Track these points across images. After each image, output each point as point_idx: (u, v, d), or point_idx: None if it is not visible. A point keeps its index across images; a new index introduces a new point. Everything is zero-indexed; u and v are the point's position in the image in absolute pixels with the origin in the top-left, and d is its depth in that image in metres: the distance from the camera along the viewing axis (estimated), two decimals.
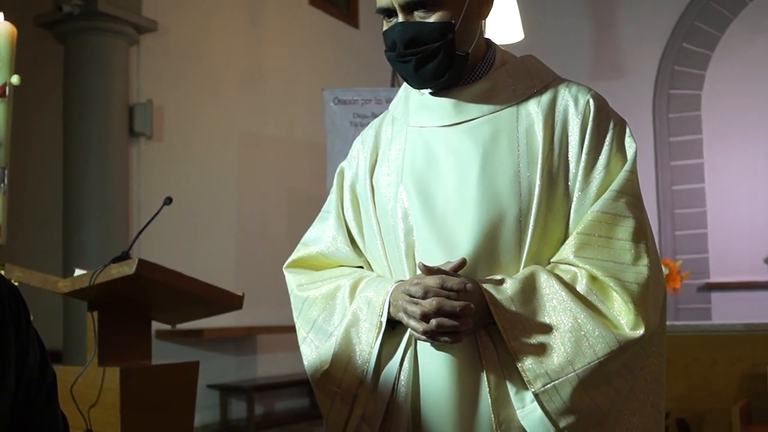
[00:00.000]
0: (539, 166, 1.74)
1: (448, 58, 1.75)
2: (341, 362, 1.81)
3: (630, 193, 1.75)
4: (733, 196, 9.91)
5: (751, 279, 9.59)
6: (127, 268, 2.60)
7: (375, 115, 6.35)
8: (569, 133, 1.78)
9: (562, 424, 1.63)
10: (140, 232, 2.80)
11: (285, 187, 8.31)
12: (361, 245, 1.94)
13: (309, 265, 2.02)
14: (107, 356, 2.90)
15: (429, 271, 1.65)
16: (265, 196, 8.18)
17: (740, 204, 9.84)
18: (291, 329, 7.23)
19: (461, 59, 1.78)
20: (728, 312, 9.20)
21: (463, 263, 1.66)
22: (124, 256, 2.71)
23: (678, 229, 9.99)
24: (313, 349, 1.92)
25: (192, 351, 7.12)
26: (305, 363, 1.95)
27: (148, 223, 2.77)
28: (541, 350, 1.64)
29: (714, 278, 9.87)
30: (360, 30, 9.21)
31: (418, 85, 1.84)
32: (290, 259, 2.06)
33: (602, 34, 10.28)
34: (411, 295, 1.66)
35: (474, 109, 1.81)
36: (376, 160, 1.93)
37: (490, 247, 1.71)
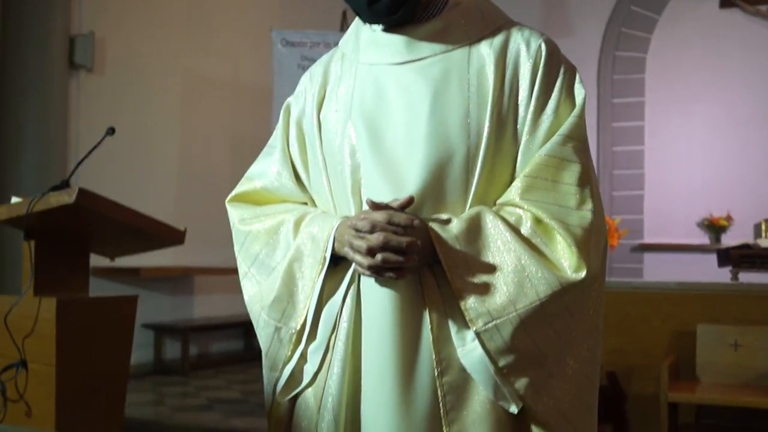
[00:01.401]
0: (489, 108, 1.74)
1: None
2: (283, 297, 1.81)
3: (577, 138, 1.75)
4: (671, 159, 10.07)
5: (684, 242, 9.79)
6: (67, 197, 2.56)
7: None
8: (520, 77, 1.77)
9: (502, 363, 1.65)
10: (81, 161, 2.75)
11: (229, 129, 8.22)
12: (305, 181, 1.92)
13: (252, 199, 2.00)
14: (43, 287, 2.86)
15: (376, 206, 1.65)
16: (208, 136, 8.09)
17: (678, 168, 10.00)
18: (229, 271, 7.25)
19: None
20: (659, 273, 9.40)
21: (410, 201, 1.66)
22: (64, 185, 2.66)
23: (616, 189, 10.14)
24: (255, 284, 1.91)
25: (128, 289, 7.05)
26: (246, 297, 1.93)
27: (90, 153, 2.72)
28: (484, 289, 1.65)
29: (648, 239, 10.05)
30: None
31: (370, 20, 1.81)
32: (233, 193, 2.03)
33: None
34: (357, 230, 1.65)
35: (426, 48, 1.79)
36: (324, 96, 1.90)
37: (437, 187, 1.71)
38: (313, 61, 6.29)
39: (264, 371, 1.91)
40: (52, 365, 2.78)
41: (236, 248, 1.97)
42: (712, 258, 6.16)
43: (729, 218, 9.69)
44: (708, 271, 6.75)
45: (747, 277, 5.67)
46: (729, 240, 8.79)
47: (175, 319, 7.84)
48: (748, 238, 7.74)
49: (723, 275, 5.95)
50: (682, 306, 4.84)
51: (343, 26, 7.51)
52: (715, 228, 9.72)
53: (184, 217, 7.47)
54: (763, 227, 9.57)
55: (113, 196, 2.73)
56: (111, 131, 2.71)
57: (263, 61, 7.48)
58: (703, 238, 9.83)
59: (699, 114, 10.00)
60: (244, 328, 8.33)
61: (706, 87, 9.97)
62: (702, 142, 9.97)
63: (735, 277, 5.61)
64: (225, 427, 5.42)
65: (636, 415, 4.87)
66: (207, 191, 7.71)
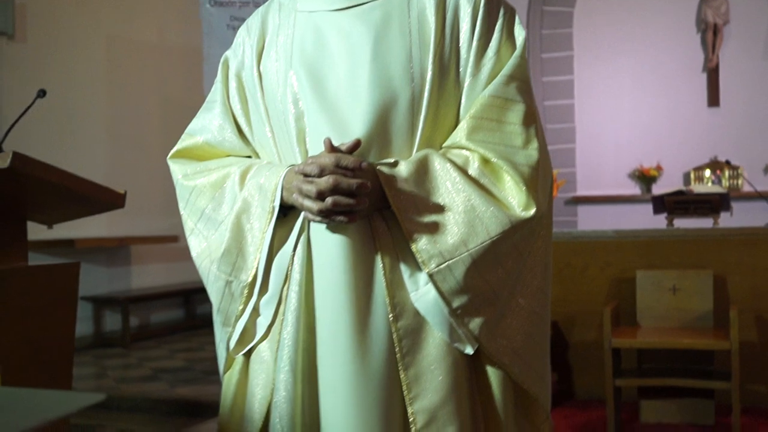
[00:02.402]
0: (431, 51, 1.74)
1: None
2: (233, 250, 1.78)
3: (520, 78, 1.77)
4: (601, 112, 10.21)
5: (616, 193, 9.97)
6: (0, 162, 2.47)
7: None
8: (460, 20, 1.77)
9: (456, 303, 1.65)
10: (12, 125, 2.67)
11: (158, 93, 8.09)
12: (248, 134, 1.90)
13: (194, 155, 1.96)
14: None
15: (333, 148, 1.63)
16: (137, 101, 7.94)
17: (608, 120, 10.15)
18: (165, 239, 7.12)
19: None
20: (593, 224, 9.53)
21: (357, 144, 1.65)
22: None
23: (548, 143, 10.22)
24: (202, 240, 1.88)
25: (64, 262, 6.93)
26: (193, 254, 1.90)
27: (21, 116, 2.64)
28: (435, 231, 1.65)
29: (581, 192, 10.20)
30: None
31: None
32: (175, 149, 1.99)
33: None
34: (306, 174, 1.63)
35: None
36: (263, 47, 1.88)
37: (383, 131, 1.70)
38: (243, 20, 6.17)
39: (216, 328, 1.89)
40: None
41: (181, 205, 1.93)
42: (644, 208, 6.29)
43: (659, 168, 9.88)
44: (641, 221, 6.89)
45: (681, 222, 5.79)
46: (659, 189, 8.96)
47: (113, 291, 7.73)
48: (678, 187, 7.91)
49: (658, 222, 6.06)
50: (621, 253, 4.92)
51: None
52: (645, 178, 9.91)
53: (117, 186, 7.36)
54: (692, 176, 9.81)
55: None
56: (42, 93, 2.64)
57: (191, 22, 7.36)
58: (634, 189, 10.01)
59: (627, 67, 10.13)
60: (184, 296, 8.25)
61: (633, 40, 10.10)
62: (630, 94, 10.12)
63: (670, 223, 5.72)
64: (171, 396, 5.39)
65: (579, 362, 4.96)
66: (139, 158, 7.59)
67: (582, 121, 10.29)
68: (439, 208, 1.66)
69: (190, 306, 8.37)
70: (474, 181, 1.68)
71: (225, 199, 1.84)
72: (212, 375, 5.88)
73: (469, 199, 1.66)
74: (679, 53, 10.04)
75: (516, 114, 1.74)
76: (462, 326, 1.68)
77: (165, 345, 7.42)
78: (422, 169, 1.68)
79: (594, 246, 5.00)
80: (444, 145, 1.75)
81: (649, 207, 6.12)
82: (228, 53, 1.98)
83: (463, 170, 1.69)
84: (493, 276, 1.68)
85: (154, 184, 7.14)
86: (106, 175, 7.50)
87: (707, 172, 9.76)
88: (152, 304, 8.08)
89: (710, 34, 9.97)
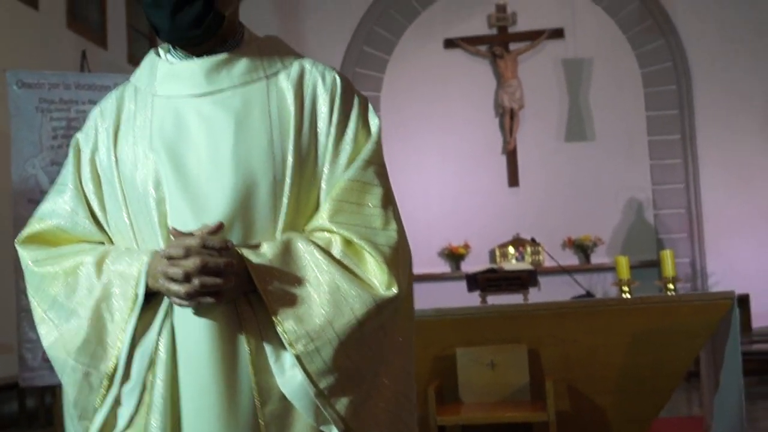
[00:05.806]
0: (291, 137, 1.78)
1: (207, 8, 1.74)
2: (92, 339, 1.73)
3: (377, 163, 1.83)
4: (409, 193, 10.49)
5: (428, 271, 10.22)
6: None
7: (63, 101, 6.02)
8: (318, 108, 1.83)
9: (323, 384, 1.66)
10: None
11: None
12: (102, 219, 1.86)
13: (45, 240, 1.90)
14: None
15: (181, 234, 1.63)
16: None
17: (416, 201, 10.45)
18: None
19: (218, 17, 1.78)
20: None
21: (220, 227, 1.65)
22: None
23: None
24: (53, 329, 1.80)
25: None
26: (45, 343, 1.82)
27: None
28: (301, 312, 1.66)
29: None
30: (40, 11, 8.68)
31: (170, 35, 1.79)
32: (24, 233, 1.91)
33: (289, 35, 10.51)
34: (171, 257, 1.62)
35: (225, 80, 1.81)
36: (118, 131, 1.86)
37: (245, 214, 1.72)
38: (52, 103, 6.02)
39: (69, 422, 1.82)
40: None
41: (30, 291, 1.86)
42: (454, 285, 6.49)
43: (467, 246, 10.24)
44: (452, 299, 7.07)
45: (494, 299, 6.00)
46: (468, 267, 9.28)
47: None
48: (485, 264, 8.23)
49: (470, 299, 6.25)
50: (441, 331, 4.99)
51: (83, 67, 7.22)
52: (454, 256, 10.25)
53: None
54: (497, 253, 10.23)
55: None
56: None
57: None
58: (444, 267, 10.32)
59: (433, 148, 10.55)
60: (17, 390, 7.62)
61: (437, 122, 10.54)
62: (436, 175, 10.51)
63: (484, 300, 5.93)
64: None
65: None
66: None
67: None
68: (305, 289, 1.68)
69: (23, 399, 7.76)
70: (337, 262, 1.72)
71: (78, 286, 1.78)
72: None
73: (333, 280, 1.69)
74: (480, 136, 10.56)
75: (375, 197, 1.79)
76: (328, 407, 1.68)
77: None
78: (286, 251, 1.70)
79: (415, 325, 5.07)
80: (307, 227, 1.78)
81: (459, 284, 6.31)
82: (79, 136, 1.93)
83: (326, 252, 1.72)
84: (359, 355, 1.70)
85: None
86: None
87: (511, 249, 10.21)
88: None
89: (507, 118, 10.55)
